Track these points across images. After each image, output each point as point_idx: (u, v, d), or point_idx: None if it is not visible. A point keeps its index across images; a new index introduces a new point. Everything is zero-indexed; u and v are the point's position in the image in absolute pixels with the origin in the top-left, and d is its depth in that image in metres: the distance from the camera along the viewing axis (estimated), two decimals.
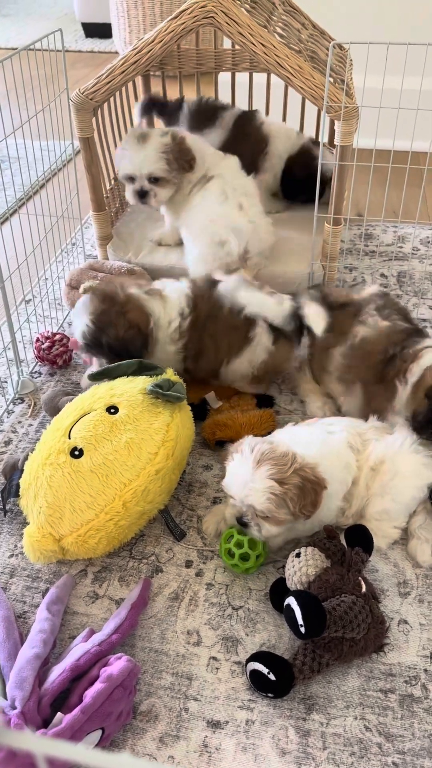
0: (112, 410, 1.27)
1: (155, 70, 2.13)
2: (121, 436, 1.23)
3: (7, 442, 1.54)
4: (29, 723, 0.95)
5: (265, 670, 1.05)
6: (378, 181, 2.02)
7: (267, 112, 2.26)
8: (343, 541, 1.18)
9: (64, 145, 2.00)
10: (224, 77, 2.38)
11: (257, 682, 1.06)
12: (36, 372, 1.75)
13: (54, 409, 1.42)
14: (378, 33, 2.61)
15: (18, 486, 1.25)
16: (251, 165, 2.01)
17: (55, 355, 1.72)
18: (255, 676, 1.06)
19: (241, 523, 1.19)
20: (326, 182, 1.86)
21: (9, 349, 1.68)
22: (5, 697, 0.99)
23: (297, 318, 1.52)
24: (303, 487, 1.13)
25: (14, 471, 1.32)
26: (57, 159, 1.99)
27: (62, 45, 1.69)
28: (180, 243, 2.00)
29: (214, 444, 1.48)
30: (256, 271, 1.89)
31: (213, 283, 1.55)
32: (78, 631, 1.15)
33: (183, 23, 1.64)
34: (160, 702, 1.07)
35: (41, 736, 0.33)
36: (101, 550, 1.22)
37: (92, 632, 1.11)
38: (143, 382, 1.33)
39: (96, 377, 1.41)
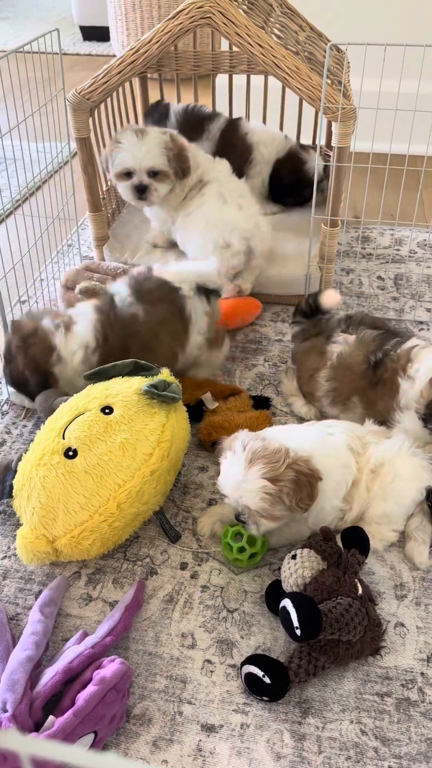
0: (107, 410, 1.26)
1: (152, 72, 2.13)
2: (115, 436, 1.22)
3: (1, 444, 1.52)
4: (21, 726, 0.94)
5: (260, 673, 1.04)
6: (375, 184, 2.02)
7: (264, 114, 2.26)
8: (340, 543, 1.17)
9: (61, 147, 2.00)
10: (222, 79, 2.38)
11: (252, 686, 1.05)
12: None
13: (48, 410, 1.41)
14: (375, 37, 2.62)
15: (11, 487, 1.24)
16: (239, 173, 2.02)
17: None
18: (250, 679, 1.05)
19: (239, 521, 1.19)
20: (309, 183, 1.88)
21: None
22: None
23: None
24: (298, 481, 1.12)
25: (7, 472, 1.30)
26: (53, 160, 1.98)
27: (59, 46, 1.68)
28: (172, 245, 1.99)
29: (210, 446, 1.47)
30: (257, 273, 1.88)
31: (114, 302, 1.48)
32: (71, 634, 1.14)
33: (180, 23, 1.63)
34: (153, 705, 1.05)
35: (26, 737, 0.32)
36: (95, 551, 1.20)
37: (85, 634, 1.10)
38: (139, 382, 1.32)
39: (91, 377, 1.40)
